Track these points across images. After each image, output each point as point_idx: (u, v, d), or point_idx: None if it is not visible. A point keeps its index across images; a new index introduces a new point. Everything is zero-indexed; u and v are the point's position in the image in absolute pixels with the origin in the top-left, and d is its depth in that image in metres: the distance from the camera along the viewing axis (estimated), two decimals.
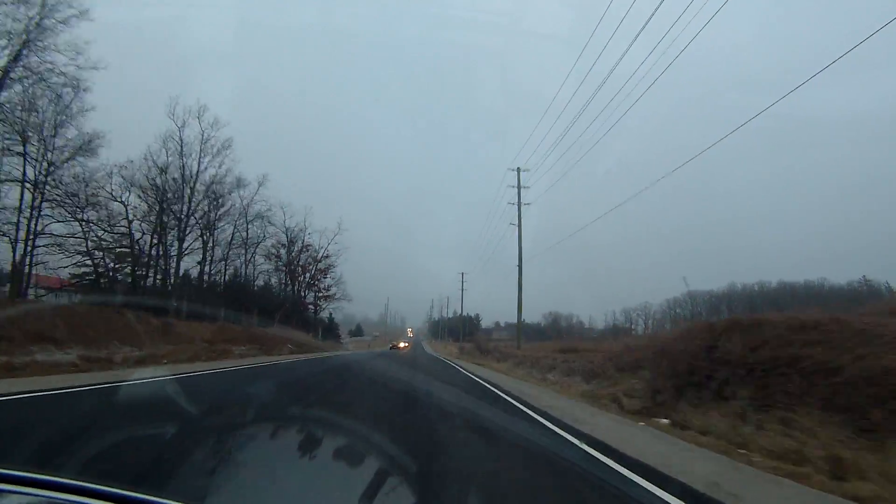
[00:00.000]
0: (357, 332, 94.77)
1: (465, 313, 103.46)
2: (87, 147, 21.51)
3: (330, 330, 58.40)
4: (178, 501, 1.20)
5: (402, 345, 72.07)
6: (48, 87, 19.40)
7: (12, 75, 18.40)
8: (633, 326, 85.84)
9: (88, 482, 1.15)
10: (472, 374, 17.90)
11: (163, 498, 1.18)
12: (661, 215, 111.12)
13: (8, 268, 20.82)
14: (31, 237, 20.56)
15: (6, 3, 17.64)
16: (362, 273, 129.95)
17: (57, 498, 1.09)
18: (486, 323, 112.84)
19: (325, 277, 49.44)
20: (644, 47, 14.39)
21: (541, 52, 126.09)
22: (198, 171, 30.05)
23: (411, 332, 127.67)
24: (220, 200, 33.05)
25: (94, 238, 24.16)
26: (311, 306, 50.41)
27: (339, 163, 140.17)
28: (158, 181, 27.94)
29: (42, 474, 1.14)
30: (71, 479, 1.14)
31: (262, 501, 3.00)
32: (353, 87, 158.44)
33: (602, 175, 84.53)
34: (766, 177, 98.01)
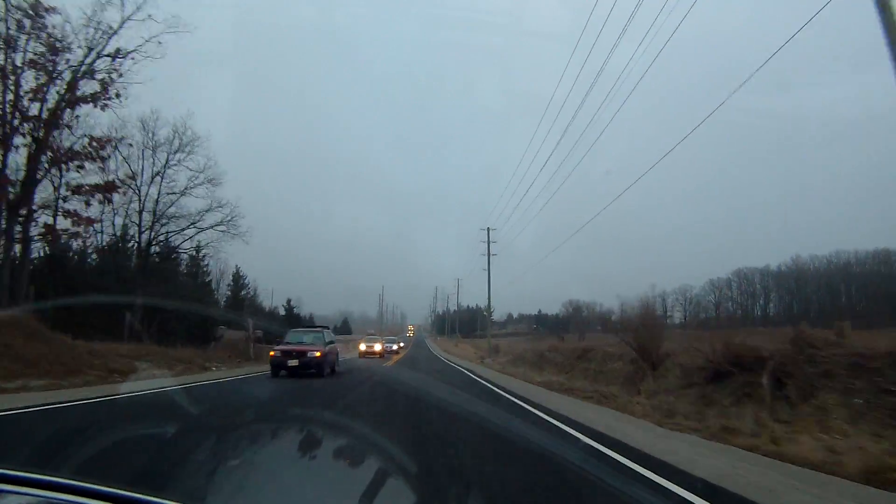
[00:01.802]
0: (344, 328, 78.52)
1: (473, 304, 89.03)
2: None
3: (291, 321, 36.83)
4: (178, 501, 1.18)
5: (376, 348, 33.73)
6: None
7: None
8: (668, 314, 79.67)
9: (88, 482, 1.14)
10: None
11: (163, 498, 1.16)
12: (702, 186, 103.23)
13: None
14: None
15: None
16: (362, 271, 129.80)
17: (57, 498, 1.08)
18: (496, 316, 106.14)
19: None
20: (646, 43, 13.76)
21: (541, 52, 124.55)
22: None
23: (412, 328, 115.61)
24: None
25: None
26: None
27: (337, 160, 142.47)
28: None
29: (42, 474, 1.13)
30: (71, 479, 1.13)
31: None
32: (352, 86, 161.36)
33: (601, 176, 79.77)
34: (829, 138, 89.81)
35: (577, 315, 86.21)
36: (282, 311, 45.58)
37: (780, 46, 9.05)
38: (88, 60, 17.98)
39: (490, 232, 37.27)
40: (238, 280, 39.86)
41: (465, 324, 78.76)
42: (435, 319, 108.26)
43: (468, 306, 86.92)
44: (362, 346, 34.48)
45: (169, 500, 1.16)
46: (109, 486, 1.14)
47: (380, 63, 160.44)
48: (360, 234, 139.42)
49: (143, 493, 1.15)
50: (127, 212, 23.72)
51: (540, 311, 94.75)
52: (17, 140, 17.18)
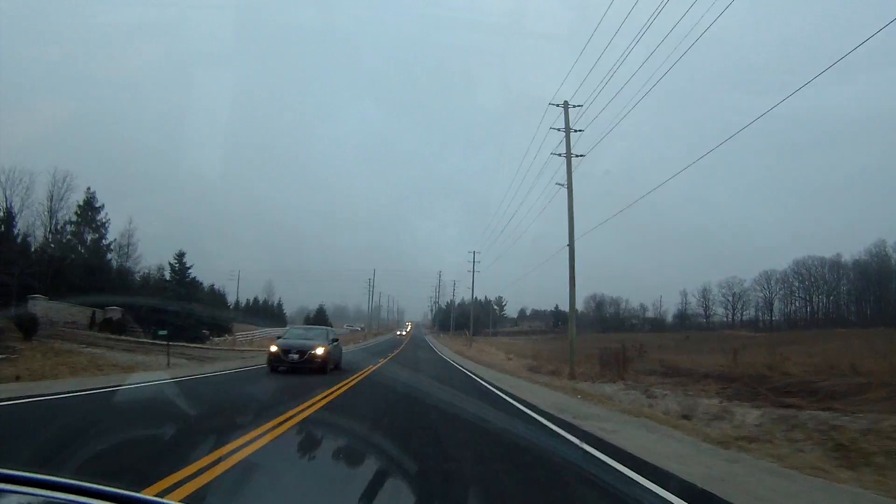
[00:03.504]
0: (318, 319, 51.19)
1: (482, 297, 78.36)
2: None
3: (182, 292, 23.87)
4: (177, 501, 1.17)
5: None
6: None
7: None
8: (709, 313, 70.45)
9: (88, 482, 1.13)
10: None
11: (162, 498, 1.15)
12: (761, 166, 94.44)
13: None
14: None
15: None
16: (359, 267, 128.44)
17: (57, 498, 1.08)
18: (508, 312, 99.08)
19: None
20: (649, 42, 13.08)
21: (541, 53, 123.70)
22: None
23: (410, 325, 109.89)
24: None
25: None
26: None
27: (335, 156, 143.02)
28: None
29: (42, 474, 1.13)
30: (71, 479, 1.13)
31: None
32: (351, 86, 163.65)
33: (601, 176, 76.03)
34: None
35: (601, 311, 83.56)
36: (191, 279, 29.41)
37: (874, 32, 8.24)
38: None
39: (569, 110, 18.93)
40: (88, 212, 22.31)
41: (476, 319, 70.41)
42: (437, 313, 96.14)
43: (476, 298, 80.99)
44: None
45: (169, 500, 1.15)
46: (109, 486, 1.13)
47: (379, 62, 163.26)
48: (357, 232, 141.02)
49: (142, 494, 1.15)
50: None
51: (557, 307, 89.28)
52: None
